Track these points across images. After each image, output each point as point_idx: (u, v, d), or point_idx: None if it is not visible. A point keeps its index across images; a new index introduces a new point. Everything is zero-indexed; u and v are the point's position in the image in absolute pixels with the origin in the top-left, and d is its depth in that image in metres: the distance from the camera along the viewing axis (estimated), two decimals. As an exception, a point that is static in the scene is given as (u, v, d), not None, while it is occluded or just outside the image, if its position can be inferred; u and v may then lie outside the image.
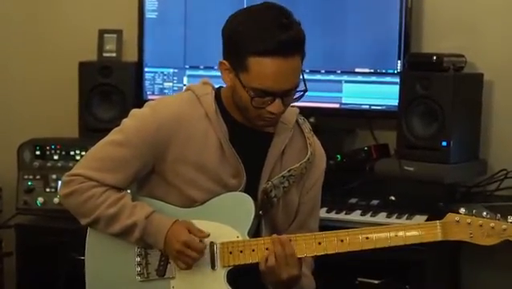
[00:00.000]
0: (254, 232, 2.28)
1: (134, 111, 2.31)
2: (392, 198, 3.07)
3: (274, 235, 2.23)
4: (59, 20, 3.88)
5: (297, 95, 2.20)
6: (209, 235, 2.23)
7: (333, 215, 3.00)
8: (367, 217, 2.97)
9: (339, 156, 3.24)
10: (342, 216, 3.00)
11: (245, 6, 2.29)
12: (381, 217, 2.96)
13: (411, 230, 2.17)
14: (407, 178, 3.04)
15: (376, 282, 2.96)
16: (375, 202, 3.06)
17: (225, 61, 2.21)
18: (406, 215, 2.93)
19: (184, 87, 2.40)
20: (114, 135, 2.28)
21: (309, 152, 2.32)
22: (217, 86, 2.33)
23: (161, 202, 2.30)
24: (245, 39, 2.13)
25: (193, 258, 2.21)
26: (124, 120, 2.30)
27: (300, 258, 2.21)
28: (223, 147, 2.25)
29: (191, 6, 3.51)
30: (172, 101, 2.30)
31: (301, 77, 2.19)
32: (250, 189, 2.27)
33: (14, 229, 3.39)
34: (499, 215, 2.12)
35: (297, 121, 2.35)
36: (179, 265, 2.24)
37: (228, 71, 2.21)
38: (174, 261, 2.25)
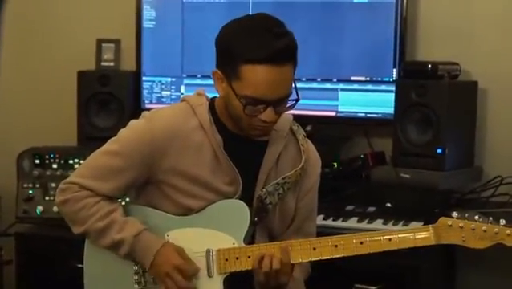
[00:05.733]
0: (250, 239, 2.30)
1: (131, 122, 2.33)
2: (389, 205, 3.09)
3: (276, 242, 2.25)
4: (58, 29, 3.90)
5: (289, 104, 2.22)
6: (199, 269, 2.23)
7: (330, 222, 3.01)
8: (364, 224, 2.99)
9: (335, 163, 3.26)
10: (338, 223, 3.01)
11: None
12: (378, 224, 2.97)
13: (404, 235, 2.19)
14: (403, 185, 3.06)
15: (373, 288, 2.97)
16: (371, 209, 3.08)
17: (217, 70, 2.23)
18: (402, 222, 2.95)
19: (180, 98, 2.41)
20: (110, 145, 2.31)
21: (303, 160, 2.33)
22: (212, 96, 2.34)
23: (157, 211, 2.31)
24: (237, 48, 2.15)
25: (180, 285, 2.21)
26: (121, 131, 2.32)
27: (293, 266, 2.23)
28: (218, 156, 2.26)
29: (188, 15, 3.54)
30: (167, 112, 2.32)
31: (293, 86, 2.20)
32: (246, 196, 2.28)
33: (14, 238, 3.41)
34: (491, 218, 2.14)
35: (291, 128, 2.35)
36: (161, 288, 2.24)
37: (221, 80, 2.22)
38: (159, 282, 2.25)
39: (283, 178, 2.30)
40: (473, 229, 2.14)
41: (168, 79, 3.60)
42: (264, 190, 2.29)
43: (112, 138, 2.32)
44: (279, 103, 2.19)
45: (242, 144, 2.28)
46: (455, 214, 2.16)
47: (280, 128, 2.31)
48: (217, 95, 2.32)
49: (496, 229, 2.13)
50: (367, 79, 3.31)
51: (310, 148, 2.39)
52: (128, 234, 2.25)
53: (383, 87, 3.29)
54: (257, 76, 2.14)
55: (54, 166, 3.44)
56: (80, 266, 2.37)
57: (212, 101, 2.33)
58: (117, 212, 2.28)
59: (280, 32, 2.16)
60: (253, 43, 2.13)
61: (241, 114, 2.19)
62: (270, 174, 2.31)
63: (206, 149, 2.27)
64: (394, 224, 2.95)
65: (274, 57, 2.13)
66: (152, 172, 2.27)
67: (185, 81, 3.58)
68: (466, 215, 2.16)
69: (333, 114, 3.38)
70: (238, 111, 2.20)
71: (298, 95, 2.22)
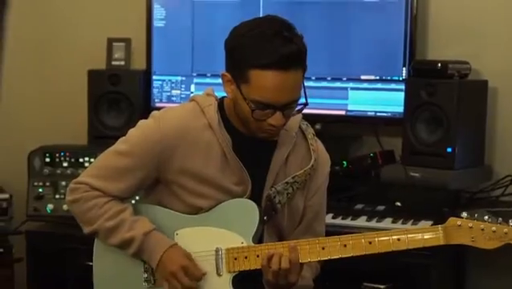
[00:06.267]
0: (258, 238, 2.30)
1: (140, 122, 2.34)
2: (398, 204, 3.08)
3: (285, 242, 2.26)
4: (68, 28, 3.91)
5: (298, 108, 2.22)
6: (205, 274, 2.24)
7: (339, 221, 3.01)
8: (373, 223, 2.98)
9: (344, 162, 3.26)
10: (348, 222, 3.01)
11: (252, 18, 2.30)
12: (387, 222, 2.97)
13: (413, 235, 2.19)
14: (412, 184, 3.05)
15: (382, 287, 2.97)
16: (380, 208, 3.08)
17: (226, 73, 2.23)
18: (411, 221, 2.95)
19: (189, 98, 2.42)
20: (119, 145, 2.31)
21: (312, 159, 2.33)
22: (221, 95, 2.34)
23: (167, 209, 2.31)
24: (246, 52, 2.16)
25: (184, 284, 2.21)
26: (130, 130, 2.33)
27: (302, 265, 2.23)
28: (227, 156, 2.27)
29: (198, 14, 3.54)
30: (176, 112, 2.32)
31: (302, 90, 2.20)
32: (255, 195, 2.29)
33: (25, 236, 3.42)
34: (501, 219, 2.14)
35: (300, 127, 2.35)
36: (165, 287, 2.24)
37: (229, 82, 2.23)
38: (163, 282, 2.25)
39: (293, 177, 2.30)
40: (483, 230, 2.14)
41: (179, 78, 3.60)
42: (273, 189, 2.29)
43: (122, 138, 2.33)
44: (288, 108, 2.19)
45: (251, 144, 2.28)
46: (464, 214, 2.16)
47: (289, 128, 2.31)
48: (226, 95, 2.32)
49: (505, 230, 2.13)
50: (377, 77, 3.31)
51: (319, 147, 2.39)
52: (137, 232, 2.25)
53: (392, 85, 3.28)
54: (265, 81, 2.14)
55: (65, 165, 3.45)
56: (90, 263, 2.39)
57: (221, 101, 2.33)
58: (127, 211, 2.29)
59: (289, 37, 2.16)
60: (262, 48, 2.13)
61: (249, 117, 2.20)
62: (279, 174, 2.31)
63: (215, 149, 2.27)
64: (403, 223, 2.94)
65: (283, 62, 2.13)
66: (161, 172, 2.28)
67: (195, 80, 3.58)
68: (476, 215, 2.16)
69: (343, 113, 3.37)
70: (247, 115, 2.20)
71: (306, 99, 2.22)
